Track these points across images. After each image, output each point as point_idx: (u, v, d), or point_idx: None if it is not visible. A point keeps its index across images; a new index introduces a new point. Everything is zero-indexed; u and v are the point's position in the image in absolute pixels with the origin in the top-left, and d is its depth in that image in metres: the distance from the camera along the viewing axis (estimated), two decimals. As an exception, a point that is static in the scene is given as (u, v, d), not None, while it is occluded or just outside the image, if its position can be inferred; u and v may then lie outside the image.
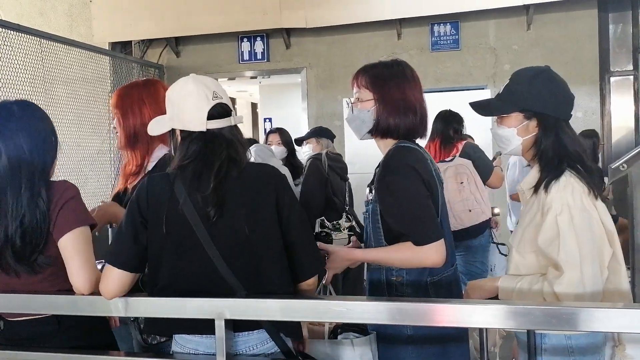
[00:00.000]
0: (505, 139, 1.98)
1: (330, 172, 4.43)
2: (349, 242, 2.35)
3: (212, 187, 1.73)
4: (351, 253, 2.14)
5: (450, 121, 4.46)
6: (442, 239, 1.95)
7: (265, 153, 4.23)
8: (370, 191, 2.15)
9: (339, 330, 2.09)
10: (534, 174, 1.91)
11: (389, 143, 2.11)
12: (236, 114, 1.88)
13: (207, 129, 1.80)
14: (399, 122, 2.06)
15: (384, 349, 2.04)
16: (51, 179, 1.98)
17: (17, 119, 1.92)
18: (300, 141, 4.87)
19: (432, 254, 1.93)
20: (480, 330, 1.71)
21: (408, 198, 1.96)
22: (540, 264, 1.85)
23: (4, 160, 1.89)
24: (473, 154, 4.33)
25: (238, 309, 1.68)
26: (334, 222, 3.57)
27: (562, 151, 1.87)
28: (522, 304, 1.55)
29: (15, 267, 1.89)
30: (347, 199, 4.67)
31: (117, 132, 2.42)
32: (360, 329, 2.07)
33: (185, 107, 1.82)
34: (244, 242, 1.74)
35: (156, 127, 1.92)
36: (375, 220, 2.07)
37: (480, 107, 2.04)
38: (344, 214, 4.24)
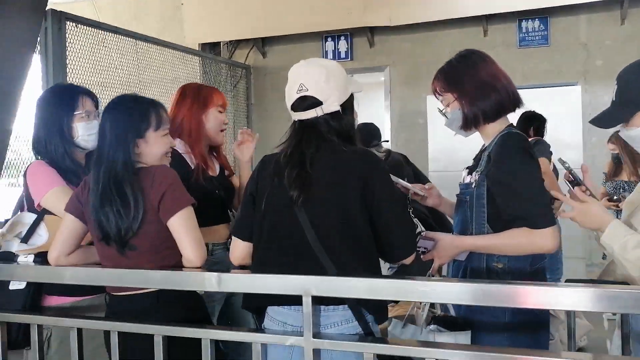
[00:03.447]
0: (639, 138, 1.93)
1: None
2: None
3: (295, 173, 1.86)
4: (460, 240, 2.11)
5: (531, 121, 4.65)
6: (556, 225, 1.95)
7: None
8: (469, 174, 2.17)
9: (432, 321, 2.12)
10: None
11: (494, 129, 2.13)
12: (337, 103, 1.95)
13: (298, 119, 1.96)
14: (484, 105, 2.09)
15: (481, 335, 2.04)
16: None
17: (122, 109, 2.15)
18: None
19: (549, 238, 1.93)
20: (568, 314, 1.68)
21: (528, 181, 1.98)
22: None
23: (107, 140, 2.09)
24: (533, 147, 4.45)
25: (324, 286, 1.72)
26: None
27: None
28: (610, 287, 1.52)
29: (114, 242, 2.06)
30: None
31: None
32: (456, 323, 2.08)
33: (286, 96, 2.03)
34: (333, 223, 1.83)
35: None
36: (479, 205, 2.07)
37: (604, 121, 1.98)
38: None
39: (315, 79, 1.95)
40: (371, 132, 4.45)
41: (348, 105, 2.01)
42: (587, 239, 5.81)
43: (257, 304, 1.97)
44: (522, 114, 4.82)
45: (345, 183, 1.85)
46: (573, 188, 1.95)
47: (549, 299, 1.54)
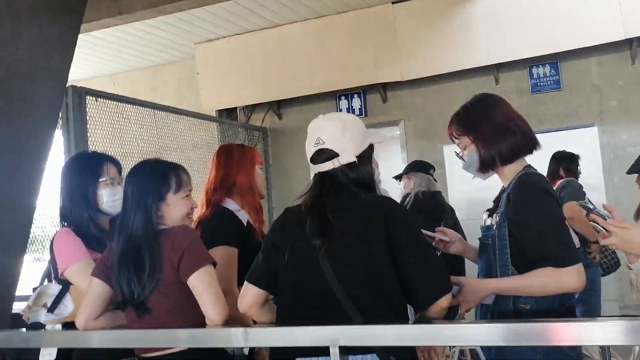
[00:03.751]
0: None
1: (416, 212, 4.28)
2: None
3: (318, 222, 1.88)
4: (485, 283, 2.08)
5: (560, 161, 4.66)
6: (581, 263, 1.93)
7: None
8: (490, 216, 2.16)
9: None
10: None
11: (512, 171, 2.13)
12: (353, 154, 1.98)
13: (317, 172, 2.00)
14: (501, 147, 2.10)
15: None
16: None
17: (142, 174, 2.21)
18: (398, 178, 4.87)
19: (574, 277, 1.91)
20: (602, 348, 1.64)
21: (550, 220, 1.97)
22: None
23: (128, 204, 2.13)
24: (561, 190, 4.47)
25: (352, 335, 1.69)
26: None
27: None
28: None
29: (130, 304, 2.07)
30: None
31: None
32: None
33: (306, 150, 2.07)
34: (358, 271, 1.83)
35: None
36: (502, 246, 2.06)
37: None
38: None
39: (332, 132, 1.99)
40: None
41: (366, 156, 2.02)
42: (619, 281, 5.68)
43: (284, 357, 1.95)
44: (553, 154, 4.84)
45: (368, 230, 1.86)
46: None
47: (580, 334, 1.50)
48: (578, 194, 4.51)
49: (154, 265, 2.05)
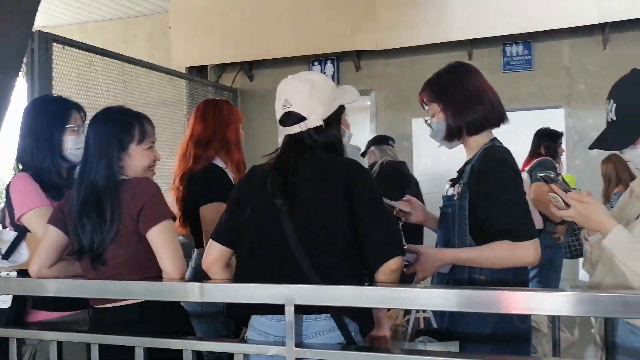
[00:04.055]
0: None
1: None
2: None
3: (279, 182, 1.87)
4: (442, 253, 2.10)
5: (542, 138, 4.70)
6: (538, 238, 1.96)
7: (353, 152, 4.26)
8: (452, 186, 2.18)
9: (417, 335, 2.11)
10: None
11: (478, 142, 2.14)
12: (320, 118, 1.96)
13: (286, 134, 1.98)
14: (468, 118, 2.11)
15: (464, 347, 2.03)
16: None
17: (106, 121, 2.15)
18: (363, 155, 4.90)
19: (530, 252, 1.94)
20: (552, 325, 1.68)
21: (510, 195, 1.98)
22: None
23: (90, 153, 2.09)
24: (533, 169, 4.53)
25: (308, 294, 1.71)
26: None
27: None
28: (591, 292, 1.52)
29: (87, 255, 2.04)
30: None
31: None
32: (442, 334, 2.07)
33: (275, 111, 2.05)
34: (317, 231, 1.83)
35: None
36: (462, 217, 2.08)
37: (609, 143, 1.90)
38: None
39: (299, 94, 1.96)
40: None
41: (334, 118, 2.00)
42: (571, 261, 5.82)
43: (240, 314, 1.96)
44: (537, 130, 4.87)
45: (329, 191, 1.86)
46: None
47: (531, 303, 1.54)
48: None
49: (113, 216, 2.02)
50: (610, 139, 1.87)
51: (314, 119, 1.95)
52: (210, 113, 2.90)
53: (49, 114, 2.50)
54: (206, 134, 2.84)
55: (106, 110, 2.21)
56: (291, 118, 1.97)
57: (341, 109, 2.04)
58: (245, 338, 1.93)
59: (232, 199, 2.02)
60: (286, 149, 1.97)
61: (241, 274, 1.93)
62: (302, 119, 1.95)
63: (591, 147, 1.91)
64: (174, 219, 2.09)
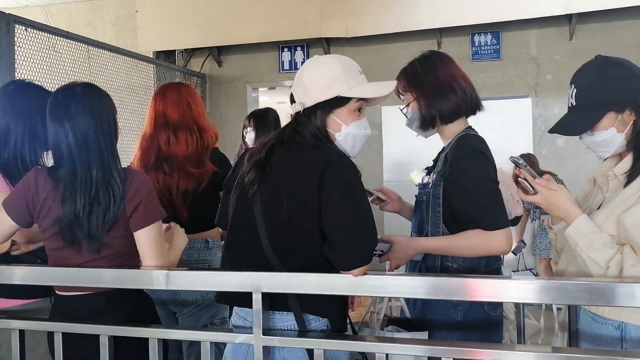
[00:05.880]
0: (607, 142, 1.80)
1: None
2: None
3: (256, 168, 1.83)
4: (415, 242, 2.08)
5: None
6: (510, 227, 1.97)
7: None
8: (428, 174, 2.18)
9: (387, 323, 2.11)
10: (627, 160, 1.79)
11: (453, 130, 2.15)
12: (301, 103, 1.86)
13: None
14: (441, 106, 2.11)
15: (435, 335, 2.05)
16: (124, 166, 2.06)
17: (81, 99, 1.98)
18: None
19: (501, 241, 1.95)
20: (517, 307, 1.70)
21: (483, 183, 1.98)
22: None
23: (71, 138, 1.95)
24: None
25: (274, 282, 1.70)
26: None
27: None
28: (556, 279, 1.54)
29: (83, 243, 1.95)
30: None
31: None
32: (413, 325, 2.08)
33: None
34: (284, 221, 1.75)
35: None
36: (435, 204, 2.08)
37: (570, 128, 1.86)
38: None
39: (299, 76, 1.89)
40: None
41: (323, 108, 1.84)
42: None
43: (225, 301, 1.94)
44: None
45: (302, 182, 1.74)
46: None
47: (497, 291, 1.55)
48: None
49: (116, 205, 1.94)
50: (569, 124, 1.86)
51: (297, 105, 1.87)
52: (194, 98, 3.07)
53: (35, 97, 2.41)
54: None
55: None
56: (292, 98, 1.96)
57: (340, 101, 1.85)
58: (230, 324, 1.92)
59: (226, 182, 2.06)
60: (278, 133, 1.90)
61: (222, 259, 1.93)
62: (293, 102, 1.92)
63: (550, 131, 1.90)
64: (164, 219, 2.05)
